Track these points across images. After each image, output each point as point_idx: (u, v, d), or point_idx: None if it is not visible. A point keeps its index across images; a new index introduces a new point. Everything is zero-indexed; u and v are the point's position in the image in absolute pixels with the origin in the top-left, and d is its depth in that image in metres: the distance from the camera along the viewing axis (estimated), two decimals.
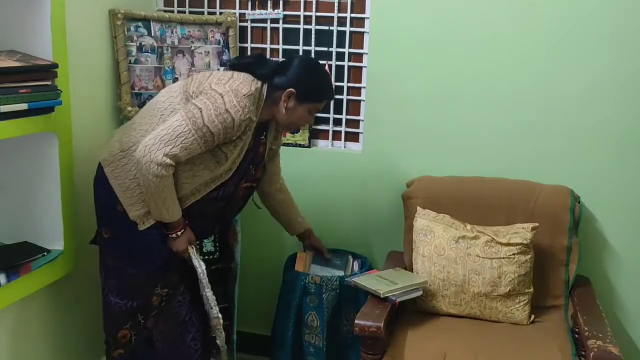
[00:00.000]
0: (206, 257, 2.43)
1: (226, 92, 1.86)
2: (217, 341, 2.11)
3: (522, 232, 2.17)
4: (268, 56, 2.60)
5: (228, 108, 1.83)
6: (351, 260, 2.46)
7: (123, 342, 2.04)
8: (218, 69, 2.56)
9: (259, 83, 1.95)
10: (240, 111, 1.85)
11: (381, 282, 2.12)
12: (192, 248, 2.00)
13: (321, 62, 2.52)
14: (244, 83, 1.90)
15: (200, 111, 1.83)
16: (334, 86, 2.08)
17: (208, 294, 2.03)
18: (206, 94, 1.87)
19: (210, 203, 1.99)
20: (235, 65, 2.04)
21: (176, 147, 1.80)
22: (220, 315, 2.05)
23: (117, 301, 2.00)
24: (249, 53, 2.62)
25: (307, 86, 1.97)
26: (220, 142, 1.89)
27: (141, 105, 2.38)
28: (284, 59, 2.08)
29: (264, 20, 2.59)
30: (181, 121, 1.82)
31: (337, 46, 2.53)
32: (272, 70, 1.97)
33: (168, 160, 1.80)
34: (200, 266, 2.00)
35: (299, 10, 2.54)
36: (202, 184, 1.94)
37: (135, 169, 1.88)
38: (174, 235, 1.95)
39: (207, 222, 2.08)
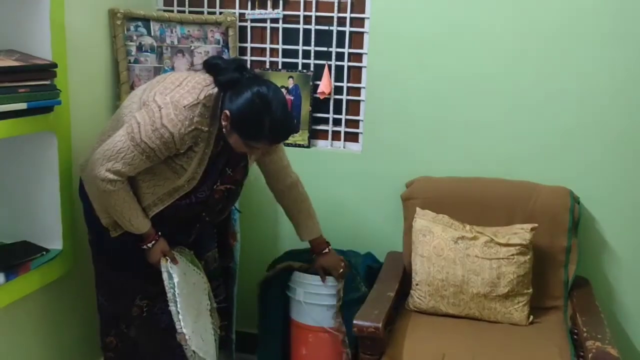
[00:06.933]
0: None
1: (165, 105, 1.75)
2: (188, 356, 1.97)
3: (521, 232, 2.17)
4: (268, 56, 2.60)
5: (164, 123, 1.73)
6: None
7: (111, 347, 2.09)
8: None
9: (215, 89, 1.82)
10: (179, 125, 1.74)
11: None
12: (166, 260, 1.94)
13: (321, 61, 2.54)
14: (190, 92, 1.78)
15: (139, 126, 1.75)
16: (282, 131, 1.85)
17: (172, 308, 1.89)
18: (147, 105, 1.78)
19: (184, 209, 1.95)
20: (205, 64, 1.88)
21: (118, 163, 1.76)
22: (184, 331, 1.88)
23: (103, 301, 2.06)
24: (248, 53, 2.62)
25: (242, 120, 1.78)
26: (168, 155, 1.80)
27: None
28: (252, 77, 1.84)
29: (264, 20, 2.59)
30: (121, 136, 1.77)
31: (337, 46, 2.53)
32: (230, 82, 1.81)
33: (111, 176, 1.76)
34: (167, 279, 1.91)
35: (299, 10, 2.53)
36: (164, 194, 1.89)
37: None
38: (144, 247, 1.92)
39: (186, 226, 2.04)
